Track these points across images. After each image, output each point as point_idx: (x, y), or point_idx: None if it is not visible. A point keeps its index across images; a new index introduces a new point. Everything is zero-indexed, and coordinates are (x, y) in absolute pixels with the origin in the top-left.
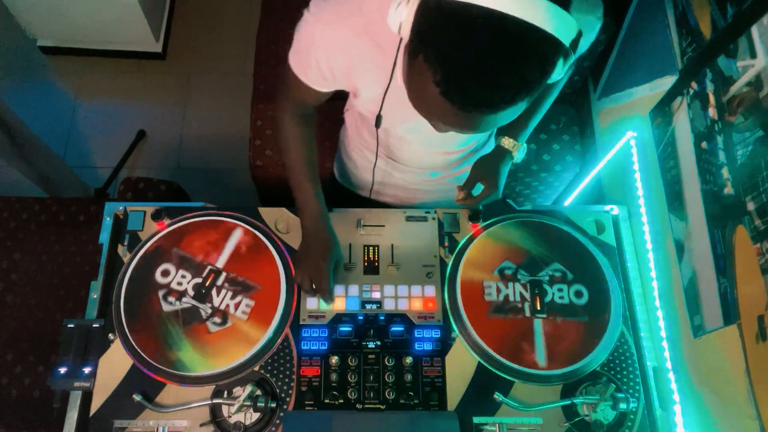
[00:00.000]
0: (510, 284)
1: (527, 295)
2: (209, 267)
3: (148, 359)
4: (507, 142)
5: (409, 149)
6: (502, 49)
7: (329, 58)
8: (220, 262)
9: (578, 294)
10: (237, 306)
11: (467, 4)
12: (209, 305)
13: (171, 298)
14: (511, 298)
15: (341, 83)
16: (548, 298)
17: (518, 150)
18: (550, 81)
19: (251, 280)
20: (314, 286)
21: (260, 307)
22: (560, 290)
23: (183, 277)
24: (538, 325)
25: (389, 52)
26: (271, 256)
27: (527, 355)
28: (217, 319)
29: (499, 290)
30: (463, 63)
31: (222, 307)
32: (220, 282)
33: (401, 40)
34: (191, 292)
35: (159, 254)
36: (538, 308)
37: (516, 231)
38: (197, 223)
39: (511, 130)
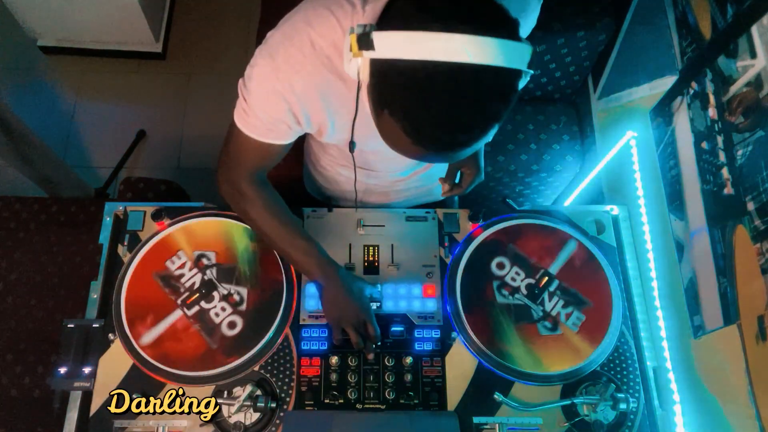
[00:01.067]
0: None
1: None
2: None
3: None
4: None
5: (386, 158)
6: (460, 97)
7: (296, 102)
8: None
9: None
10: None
11: (419, 60)
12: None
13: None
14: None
15: (306, 127)
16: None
17: None
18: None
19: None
20: (361, 333)
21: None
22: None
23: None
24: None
25: (350, 81)
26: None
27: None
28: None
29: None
30: (427, 116)
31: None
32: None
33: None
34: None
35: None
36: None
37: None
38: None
39: None
